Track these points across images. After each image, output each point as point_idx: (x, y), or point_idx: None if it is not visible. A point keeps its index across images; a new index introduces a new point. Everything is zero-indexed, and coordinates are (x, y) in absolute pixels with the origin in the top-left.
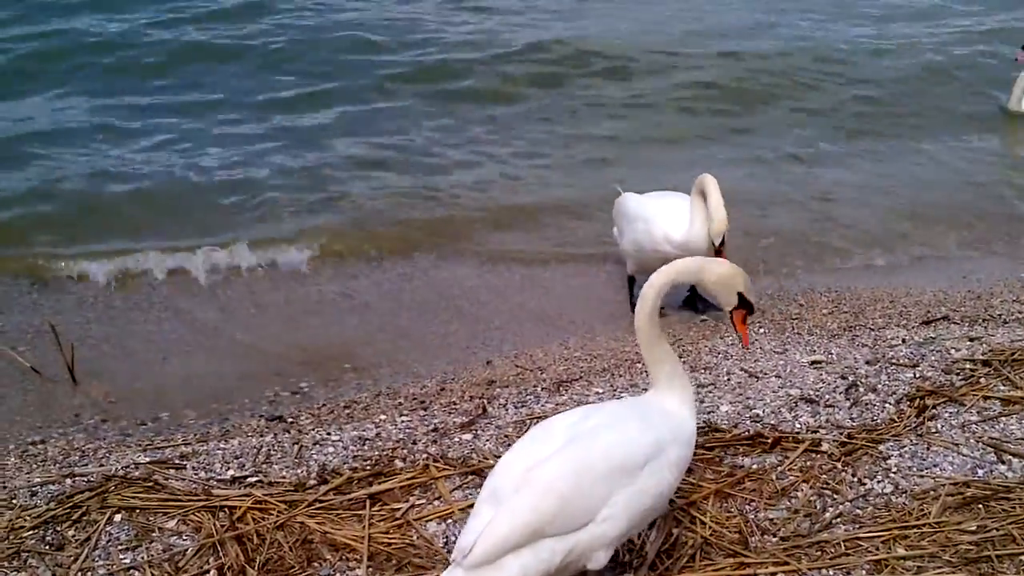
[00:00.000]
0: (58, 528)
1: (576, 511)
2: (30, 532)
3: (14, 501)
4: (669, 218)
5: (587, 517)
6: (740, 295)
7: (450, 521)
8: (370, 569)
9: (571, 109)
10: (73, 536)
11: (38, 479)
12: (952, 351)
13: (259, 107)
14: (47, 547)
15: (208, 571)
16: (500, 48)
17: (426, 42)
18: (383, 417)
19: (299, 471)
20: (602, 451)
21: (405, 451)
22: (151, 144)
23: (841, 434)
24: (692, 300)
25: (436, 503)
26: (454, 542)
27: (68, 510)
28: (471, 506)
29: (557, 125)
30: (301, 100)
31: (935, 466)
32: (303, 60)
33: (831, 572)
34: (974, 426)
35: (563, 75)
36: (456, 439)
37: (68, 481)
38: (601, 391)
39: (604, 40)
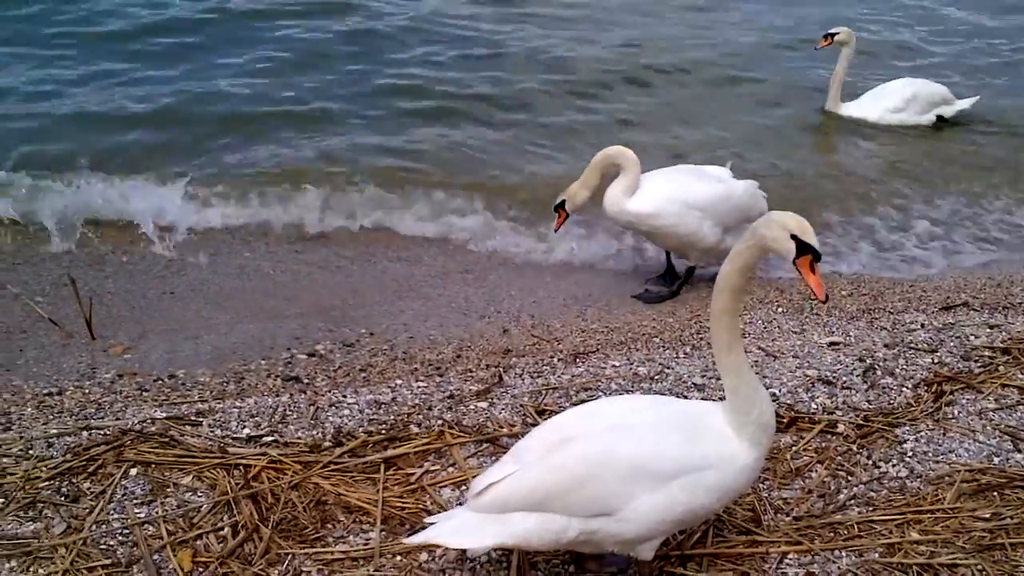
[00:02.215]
0: (74, 480)
1: (589, 498)
2: (46, 483)
3: (31, 452)
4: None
5: (602, 508)
6: (796, 239)
7: (464, 487)
8: (383, 532)
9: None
10: (88, 488)
11: (55, 430)
12: (971, 338)
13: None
14: (62, 498)
15: (222, 528)
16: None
17: None
18: (399, 382)
19: (314, 432)
20: (630, 451)
21: (420, 417)
22: (174, 100)
23: (857, 416)
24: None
25: (450, 469)
26: None
27: (84, 462)
28: None
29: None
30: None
31: (951, 452)
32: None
33: (844, 554)
34: (991, 413)
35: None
36: (472, 406)
37: (84, 433)
38: (618, 364)
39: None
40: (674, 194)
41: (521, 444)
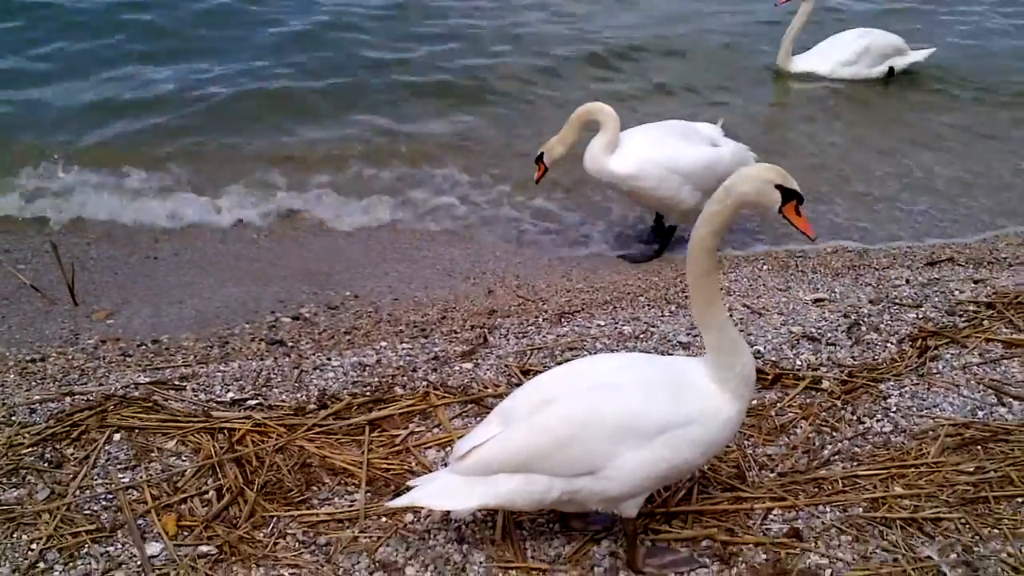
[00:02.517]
0: (57, 446)
1: (573, 458)
2: (29, 449)
3: (13, 418)
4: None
5: (586, 467)
6: (780, 187)
7: (448, 448)
8: (368, 494)
9: None
10: (72, 454)
11: (37, 396)
12: (956, 292)
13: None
14: (46, 464)
15: (207, 492)
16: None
17: None
18: (384, 344)
19: (299, 395)
20: (615, 409)
21: (405, 378)
22: (160, 77)
23: (842, 372)
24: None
25: (435, 430)
26: None
27: (67, 428)
28: None
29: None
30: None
31: (935, 407)
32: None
33: (828, 509)
34: (975, 368)
35: None
36: (456, 367)
37: (67, 399)
38: (603, 323)
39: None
40: (657, 156)
41: (504, 405)
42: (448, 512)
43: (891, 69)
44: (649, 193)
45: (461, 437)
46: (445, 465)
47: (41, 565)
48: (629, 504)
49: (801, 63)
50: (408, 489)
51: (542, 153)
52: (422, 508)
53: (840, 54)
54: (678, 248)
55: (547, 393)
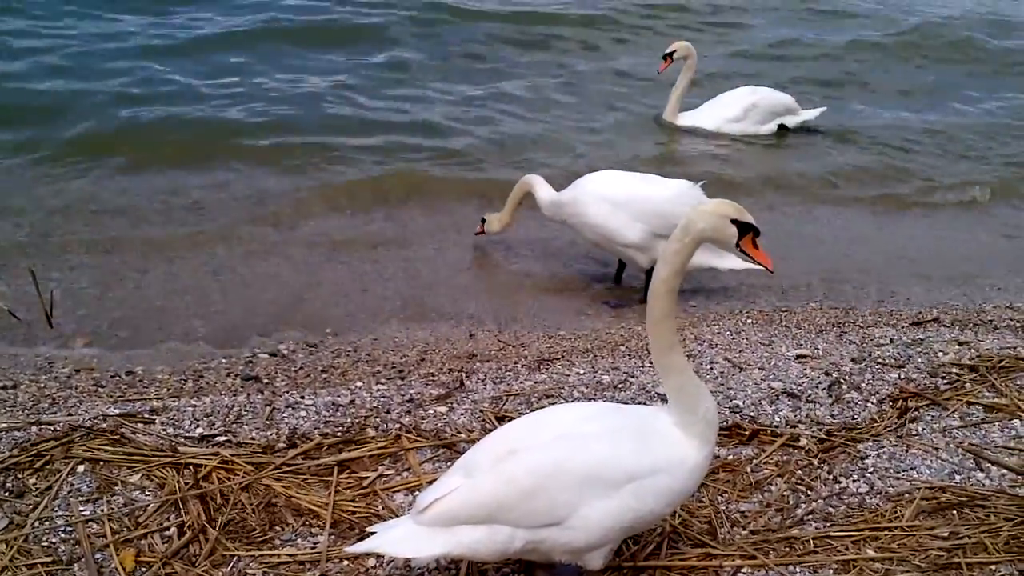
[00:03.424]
0: (20, 476)
1: (537, 509)
2: None
3: None
4: None
5: (551, 519)
6: (735, 222)
7: (417, 492)
8: (332, 536)
9: None
10: (34, 484)
11: (4, 424)
12: (940, 354)
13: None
14: (7, 494)
15: (168, 528)
16: None
17: None
18: (359, 384)
19: (269, 433)
20: (582, 460)
21: (378, 420)
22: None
23: (820, 430)
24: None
25: (405, 474)
26: None
27: (31, 458)
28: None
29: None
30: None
31: (912, 469)
32: None
33: (798, 569)
34: (955, 431)
35: None
36: (431, 411)
37: (34, 429)
38: (582, 371)
39: None
40: (592, 187)
41: (467, 457)
42: (409, 560)
43: (781, 126)
44: (582, 221)
45: (430, 483)
46: (408, 509)
47: None
48: (595, 555)
49: (687, 118)
50: (370, 535)
51: (483, 219)
52: (383, 555)
53: (727, 110)
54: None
55: (511, 444)
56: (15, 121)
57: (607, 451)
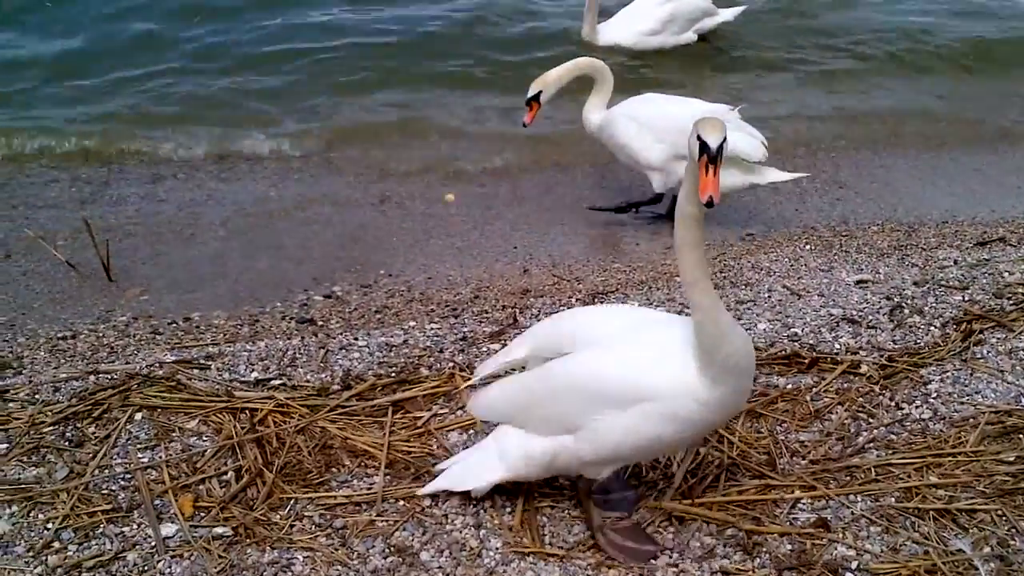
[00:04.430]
0: (78, 425)
1: (552, 416)
2: (50, 428)
3: (37, 396)
4: None
5: (563, 428)
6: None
7: (472, 431)
8: (388, 476)
9: None
10: (93, 433)
11: (63, 375)
12: (1005, 274)
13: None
14: (66, 443)
15: (226, 472)
16: None
17: None
18: (412, 324)
19: (323, 376)
20: (597, 375)
21: (432, 359)
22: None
23: (882, 357)
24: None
25: (459, 412)
26: None
27: (90, 407)
28: None
29: None
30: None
31: (977, 393)
32: None
33: (859, 498)
34: (1021, 353)
35: None
36: (485, 348)
37: (91, 378)
38: (637, 304)
39: None
40: (626, 108)
41: (535, 331)
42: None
43: (702, 37)
44: (612, 143)
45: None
46: (466, 448)
47: (56, 544)
48: (605, 472)
49: (605, 34)
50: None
51: (538, 93)
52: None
53: (643, 23)
54: (718, 225)
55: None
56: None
57: (619, 370)
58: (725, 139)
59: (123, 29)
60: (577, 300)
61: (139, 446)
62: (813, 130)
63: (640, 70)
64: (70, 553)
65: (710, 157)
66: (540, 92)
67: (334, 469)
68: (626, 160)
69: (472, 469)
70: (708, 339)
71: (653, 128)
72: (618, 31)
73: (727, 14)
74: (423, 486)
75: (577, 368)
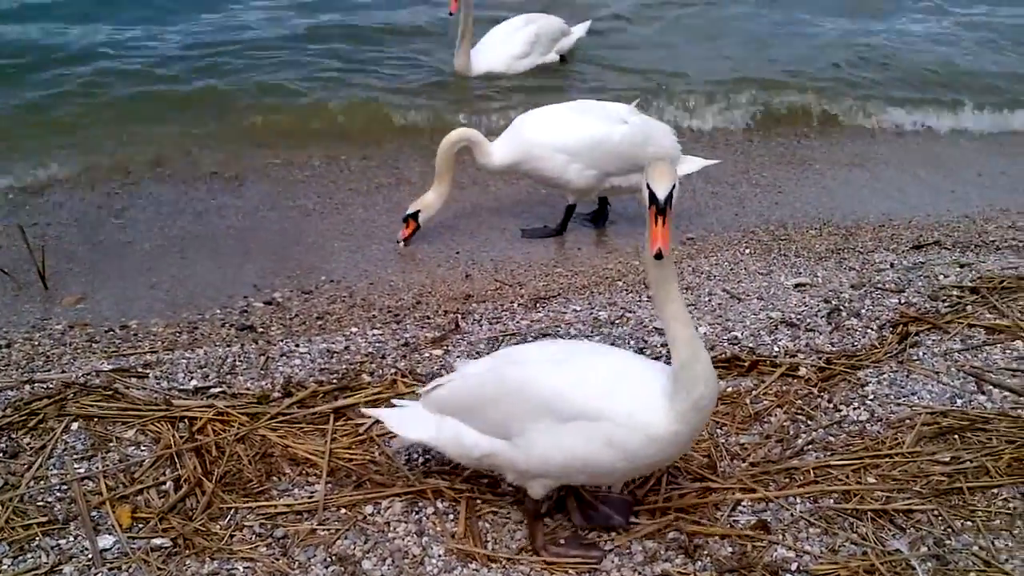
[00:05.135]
0: (13, 435)
1: (494, 419)
2: None
3: None
4: None
5: (502, 431)
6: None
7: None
8: (330, 484)
9: None
10: (28, 444)
11: None
12: (940, 277)
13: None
14: (1, 454)
15: (165, 482)
16: None
17: None
18: (354, 330)
19: (264, 383)
20: (541, 384)
21: (374, 365)
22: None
23: (820, 359)
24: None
25: None
26: (416, 460)
27: (24, 417)
28: None
29: None
30: None
31: (913, 394)
32: None
33: (798, 500)
34: (956, 354)
35: None
36: (427, 354)
37: (27, 387)
38: (579, 308)
39: None
40: (542, 137)
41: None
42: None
43: (562, 58)
44: (537, 175)
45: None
46: (406, 455)
47: None
48: (536, 484)
49: (477, 64)
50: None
51: (416, 212)
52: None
53: (512, 47)
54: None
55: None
56: None
57: (567, 383)
58: (675, 186)
59: None
60: (519, 305)
61: (76, 456)
62: None
63: (512, 94)
64: (4, 567)
65: (658, 208)
66: (419, 211)
67: (275, 478)
68: (548, 186)
69: (408, 421)
70: (690, 378)
71: (580, 156)
72: (489, 58)
73: (580, 30)
74: (365, 494)
75: (529, 375)
